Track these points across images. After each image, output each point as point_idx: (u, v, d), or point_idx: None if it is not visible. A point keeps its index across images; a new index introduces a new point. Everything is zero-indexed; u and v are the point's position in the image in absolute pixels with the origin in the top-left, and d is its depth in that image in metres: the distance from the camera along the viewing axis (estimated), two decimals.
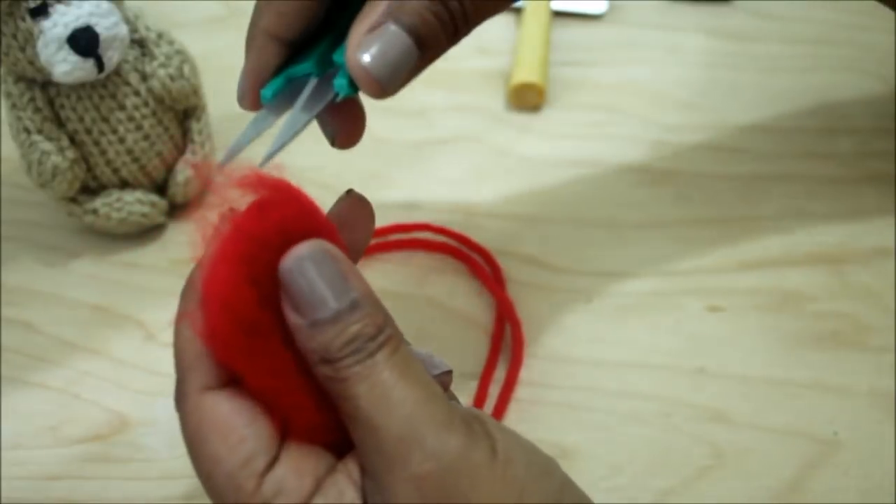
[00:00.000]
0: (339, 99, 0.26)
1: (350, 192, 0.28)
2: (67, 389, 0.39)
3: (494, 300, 0.41)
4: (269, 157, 0.26)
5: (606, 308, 0.41)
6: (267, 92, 0.28)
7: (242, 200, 0.24)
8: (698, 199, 0.45)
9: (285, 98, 0.28)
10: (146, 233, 0.44)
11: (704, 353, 0.39)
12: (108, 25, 0.38)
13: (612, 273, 0.42)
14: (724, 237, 0.44)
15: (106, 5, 0.38)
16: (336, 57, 0.27)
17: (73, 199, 0.43)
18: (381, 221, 0.44)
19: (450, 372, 0.27)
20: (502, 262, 0.42)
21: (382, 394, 0.22)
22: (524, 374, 0.38)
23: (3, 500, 0.35)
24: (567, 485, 0.24)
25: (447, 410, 0.23)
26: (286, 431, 0.24)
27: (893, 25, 0.54)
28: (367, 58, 0.25)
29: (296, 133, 0.26)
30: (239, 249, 0.23)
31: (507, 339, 0.40)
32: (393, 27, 0.25)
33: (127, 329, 0.41)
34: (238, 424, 0.23)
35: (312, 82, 0.27)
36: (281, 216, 0.23)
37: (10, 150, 0.44)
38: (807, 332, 0.40)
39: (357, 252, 0.26)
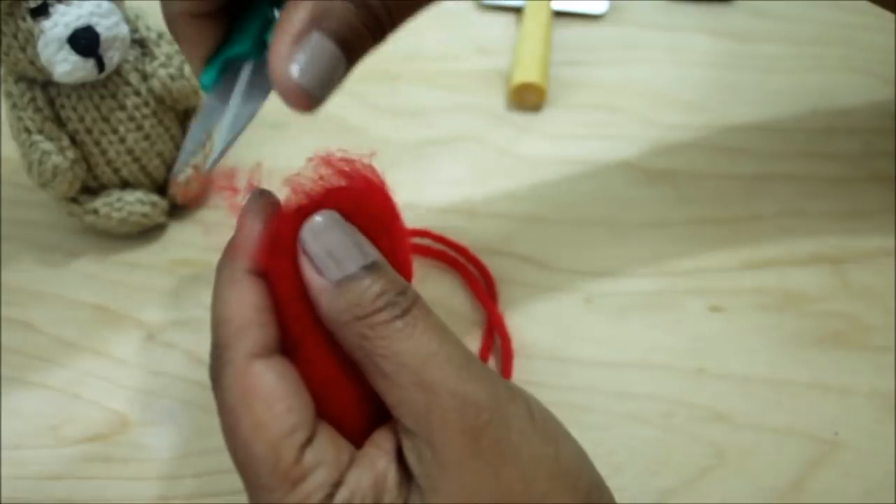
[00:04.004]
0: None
1: None
2: (67, 389, 0.39)
3: (486, 314, 0.40)
4: (217, 159, 0.25)
5: (606, 308, 0.41)
6: (206, 79, 0.26)
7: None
8: (698, 199, 0.45)
9: (230, 82, 0.26)
10: (147, 233, 0.44)
11: (705, 353, 0.39)
12: (108, 25, 0.38)
13: (612, 273, 0.42)
14: (725, 237, 0.44)
15: (107, 5, 0.38)
16: (268, 37, 0.25)
17: (73, 199, 0.43)
18: None
19: None
20: (501, 262, 0.42)
21: (429, 351, 0.23)
22: (523, 374, 0.38)
23: (4, 500, 0.35)
24: (586, 455, 0.25)
25: (486, 368, 0.24)
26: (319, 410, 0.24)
27: (893, 25, 0.54)
28: (295, 72, 0.22)
29: (240, 129, 0.25)
30: (305, 203, 0.24)
31: (496, 349, 0.40)
32: (319, 36, 0.23)
33: (127, 329, 0.41)
34: (285, 394, 0.23)
35: (247, 68, 0.25)
36: (347, 194, 0.25)
37: (11, 150, 0.44)
38: (808, 332, 0.40)
39: None
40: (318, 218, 0.24)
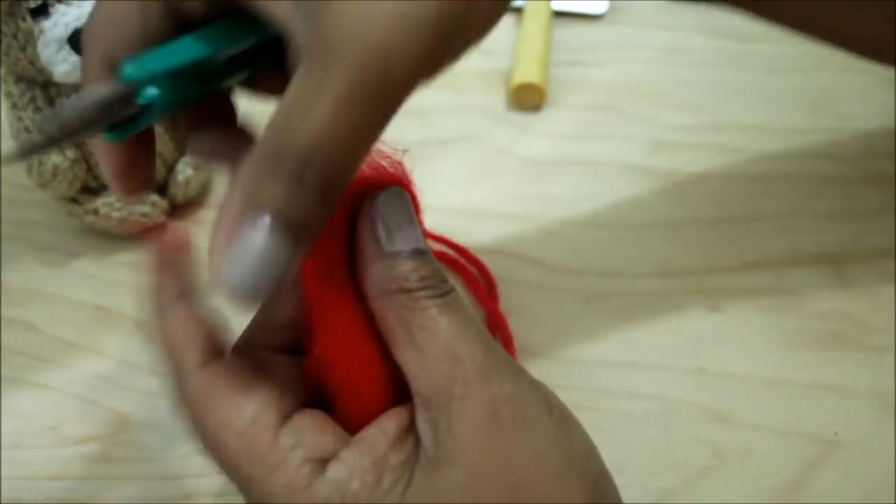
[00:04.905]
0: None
1: None
2: (67, 389, 0.39)
3: (487, 314, 0.40)
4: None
5: (606, 308, 0.41)
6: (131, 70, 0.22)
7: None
8: (698, 198, 0.45)
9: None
10: (147, 233, 0.44)
11: (705, 353, 0.39)
12: None
13: (612, 273, 0.42)
14: (725, 237, 0.44)
15: None
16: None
17: (73, 199, 0.43)
18: None
19: None
20: (501, 262, 0.42)
21: (462, 326, 0.23)
22: None
23: (3, 500, 0.35)
24: (597, 448, 0.26)
25: (510, 357, 0.24)
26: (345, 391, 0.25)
27: None
28: (228, 276, 0.20)
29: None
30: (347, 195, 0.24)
31: None
32: (252, 221, 0.20)
33: (127, 329, 0.41)
34: (241, 386, 0.24)
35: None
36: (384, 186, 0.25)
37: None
38: (807, 332, 0.40)
39: None
40: (394, 190, 0.25)
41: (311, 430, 0.24)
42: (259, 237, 0.20)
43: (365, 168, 0.25)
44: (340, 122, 0.19)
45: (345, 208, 0.25)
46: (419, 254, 0.24)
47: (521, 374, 0.24)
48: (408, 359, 0.23)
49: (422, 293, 0.24)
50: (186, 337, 0.24)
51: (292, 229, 0.20)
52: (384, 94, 0.20)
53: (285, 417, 0.24)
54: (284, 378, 0.25)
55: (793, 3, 0.37)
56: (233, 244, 0.20)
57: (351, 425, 0.25)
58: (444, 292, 0.24)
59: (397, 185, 0.25)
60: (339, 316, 0.25)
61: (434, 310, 0.23)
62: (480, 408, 0.23)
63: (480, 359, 0.23)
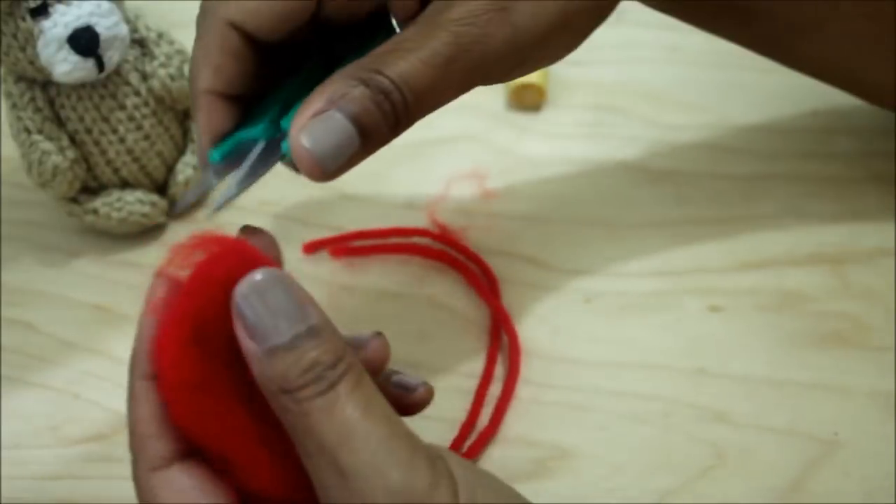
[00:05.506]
0: (284, 161, 0.28)
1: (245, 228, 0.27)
2: (67, 389, 0.39)
3: (490, 312, 0.40)
4: (217, 209, 0.27)
5: (606, 308, 0.41)
6: (215, 155, 0.28)
7: (187, 264, 0.24)
8: (698, 198, 0.45)
9: (232, 160, 0.28)
10: (146, 233, 0.44)
11: (704, 353, 0.39)
12: (108, 25, 0.38)
13: (611, 273, 0.42)
14: (724, 237, 0.43)
15: (106, 5, 0.39)
16: (284, 123, 0.27)
17: (73, 199, 0.43)
18: (381, 222, 0.44)
19: (426, 385, 0.28)
20: (501, 262, 0.42)
21: (346, 430, 0.21)
22: (523, 373, 0.38)
23: (4, 500, 0.35)
24: None
25: (411, 448, 0.22)
26: (247, 494, 0.24)
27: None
28: (307, 142, 0.25)
29: (239, 192, 0.27)
30: (180, 309, 0.23)
31: (504, 348, 0.40)
32: (336, 115, 0.25)
33: (127, 329, 0.40)
34: (189, 492, 0.24)
35: (260, 145, 0.27)
36: (221, 269, 0.23)
37: (11, 150, 0.44)
38: (807, 333, 0.40)
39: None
40: (257, 276, 0.23)
41: None
42: (340, 121, 0.25)
43: (216, 263, 0.24)
44: (430, 70, 0.26)
45: (203, 308, 0.23)
46: (300, 339, 0.22)
47: (419, 473, 0.22)
48: (307, 467, 0.22)
49: (303, 392, 0.22)
50: (144, 433, 0.24)
51: (364, 127, 0.26)
52: (473, 65, 0.28)
53: None
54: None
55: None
56: (316, 121, 0.25)
57: None
58: (330, 383, 0.22)
59: (258, 266, 0.23)
60: (227, 423, 0.24)
61: (315, 413, 0.22)
62: None
63: (362, 468, 0.21)
